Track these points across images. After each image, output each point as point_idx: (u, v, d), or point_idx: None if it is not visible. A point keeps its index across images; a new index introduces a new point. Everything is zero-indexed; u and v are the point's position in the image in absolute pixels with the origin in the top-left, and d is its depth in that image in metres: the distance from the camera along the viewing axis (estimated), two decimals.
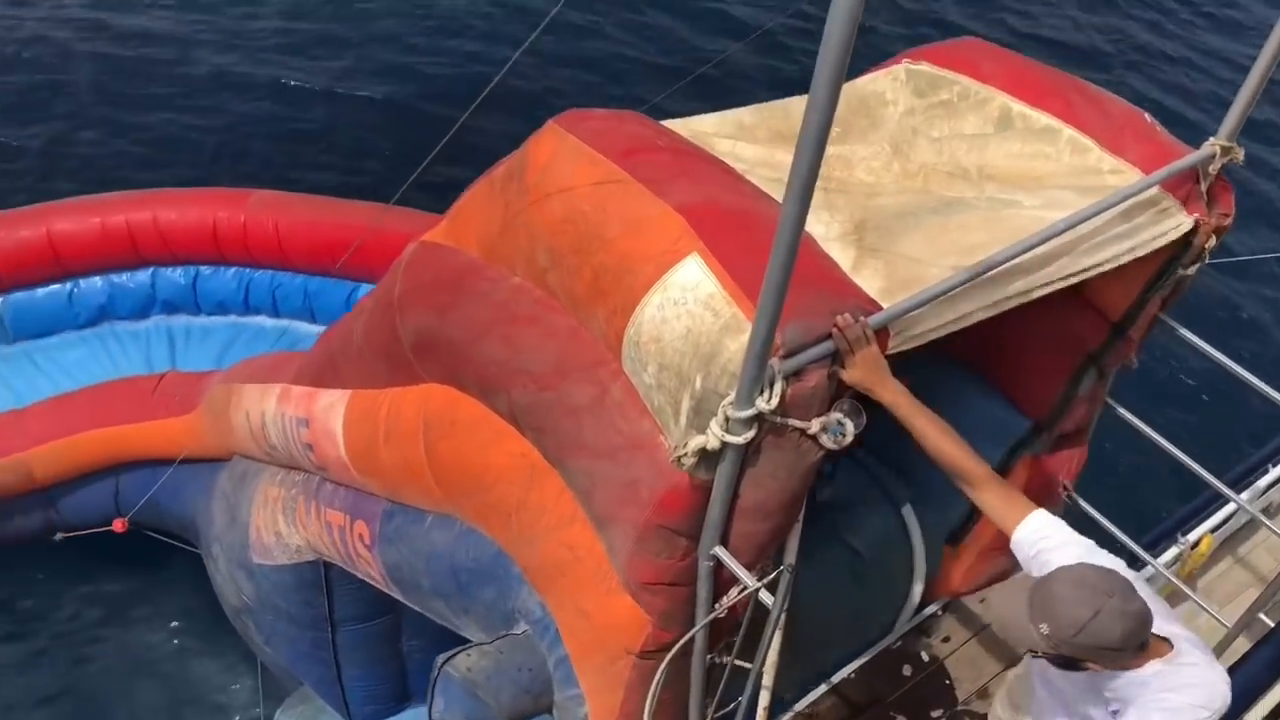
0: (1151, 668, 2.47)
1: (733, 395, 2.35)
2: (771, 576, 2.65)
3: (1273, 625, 4.22)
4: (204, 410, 5.90)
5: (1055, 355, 3.59)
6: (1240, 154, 3.08)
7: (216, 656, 6.88)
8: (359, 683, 5.65)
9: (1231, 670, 3.00)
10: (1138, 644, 2.40)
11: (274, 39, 12.03)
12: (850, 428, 2.48)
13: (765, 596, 2.63)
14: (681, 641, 2.79)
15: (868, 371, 2.44)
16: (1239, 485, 4.67)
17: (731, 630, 2.93)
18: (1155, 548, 4.42)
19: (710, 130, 3.27)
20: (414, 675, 5.70)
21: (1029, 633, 2.42)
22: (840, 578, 3.59)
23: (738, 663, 2.94)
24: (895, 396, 2.52)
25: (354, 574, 4.64)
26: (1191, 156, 3.07)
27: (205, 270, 7.33)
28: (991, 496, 2.64)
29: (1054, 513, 2.66)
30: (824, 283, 2.51)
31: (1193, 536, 4.60)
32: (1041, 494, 3.70)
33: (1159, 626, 2.46)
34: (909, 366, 2.60)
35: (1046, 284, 2.81)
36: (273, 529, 4.99)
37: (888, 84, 3.51)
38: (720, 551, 2.66)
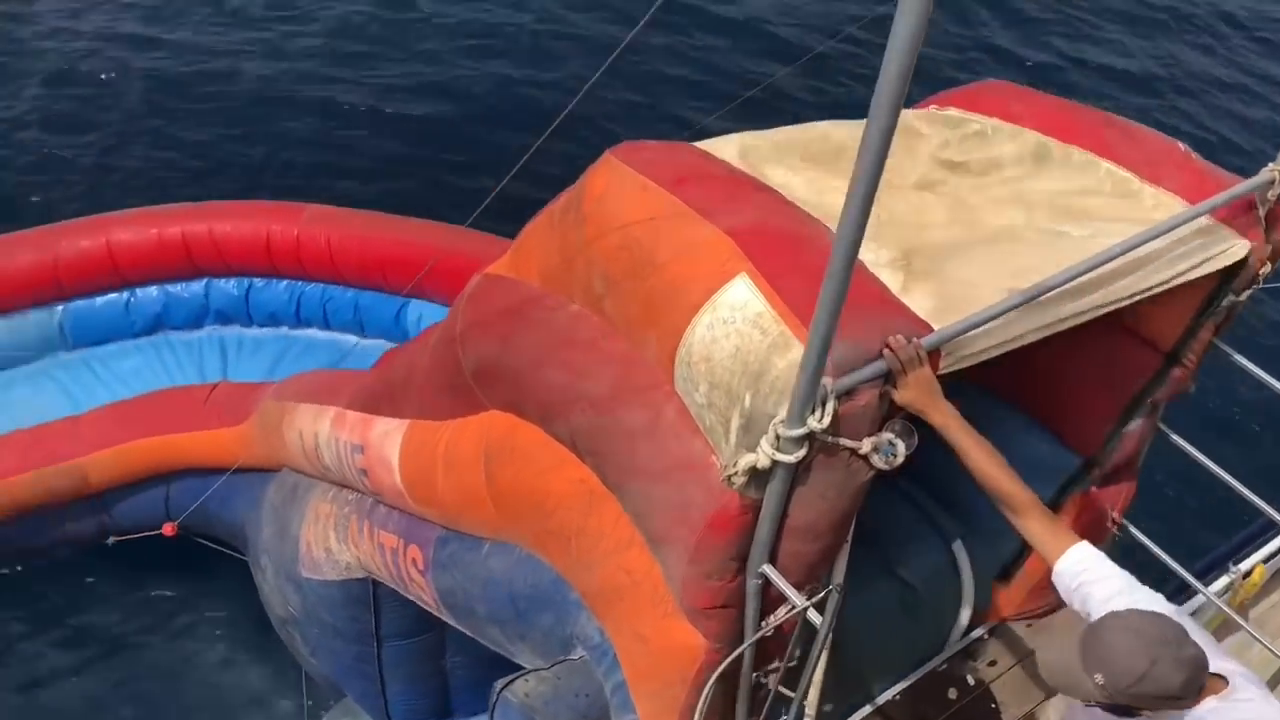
0: (1207, 704, 2.43)
1: (784, 413, 2.36)
2: (820, 597, 2.66)
3: None
4: (255, 423, 5.99)
5: (1104, 391, 3.56)
6: None
7: (261, 664, 6.96)
8: (401, 697, 5.70)
9: None
10: (1196, 690, 2.37)
11: (321, 56, 12.26)
12: (902, 448, 2.48)
13: (813, 616, 2.63)
14: (729, 659, 2.79)
15: (920, 392, 2.45)
16: None
17: (779, 651, 2.94)
18: (1206, 576, 4.36)
19: (751, 146, 3.30)
20: (456, 691, 5.74)
21: (1083, 683, 2.39)
22: (889, 609, 3.59)
23: (782, 690, 2.95)
24: (946, 419, 2.53)
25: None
26: (1249, 182, 3.05)
27: (258, 282, 7.45)
28: (1035, 525, 2.64)
29: (1102, 544, 2.65)
30: (876, 304, 2.52)
31: (1245, 566, 4.53)
32: (1091, 528, 3.68)
33: (1212, 664, 2.43)
34: (958, 397, 2.61)
35: (1100, 306, 2.80)
36: (323, 545, 5.06)
37: (919, 120, 3.52)
38: (768, 569, 2.67)
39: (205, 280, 7.37)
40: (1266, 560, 4.59)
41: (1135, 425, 3.59)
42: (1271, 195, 3.07)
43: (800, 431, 2.34)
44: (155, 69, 11.84)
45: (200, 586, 7.27)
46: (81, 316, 7.22)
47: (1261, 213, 3.10)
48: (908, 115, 3.52)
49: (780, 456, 2.40)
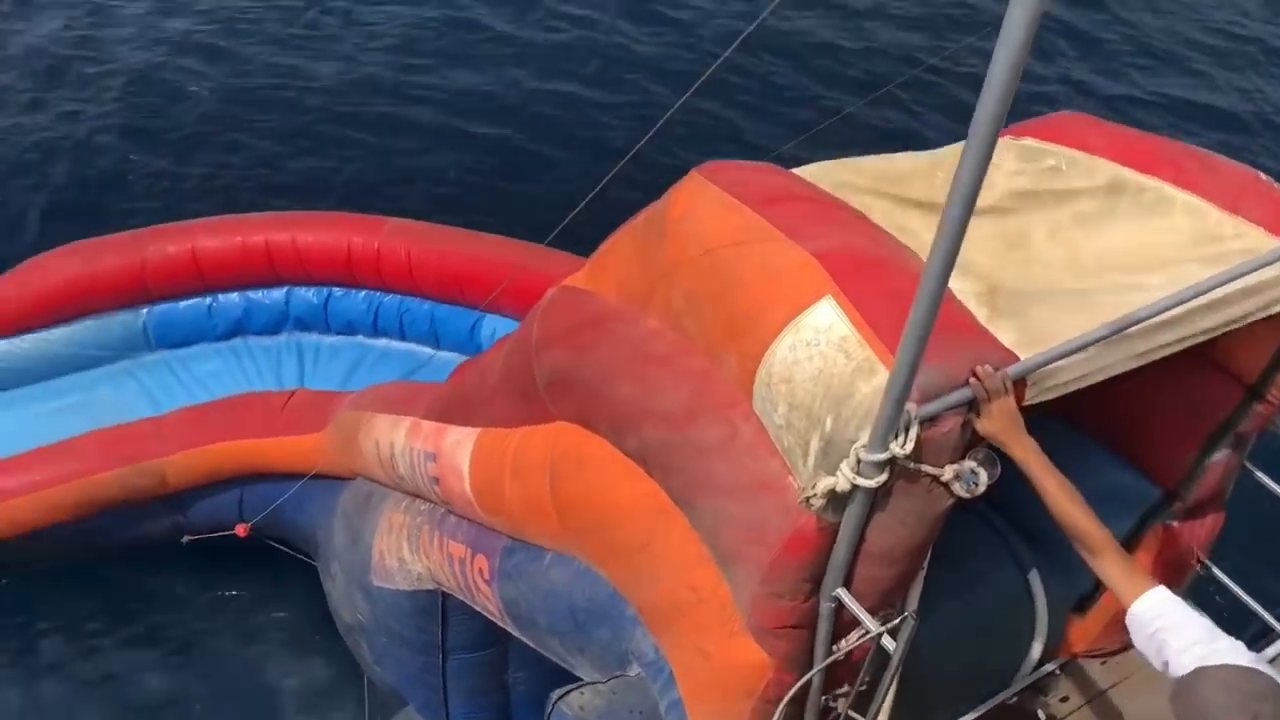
0: None
1: (865, 438, 2.36)
2: (895, 623, 2.64)
3: None
4: (332, 431, 6.08)
5: (1186, 422, 3.50)
6: None
7: (324, 668, 7.04)
8: (463, 709, 5.74)
9: None
10: None
11: (391, 71, 12.49)
12: (984, 477, 2.47)
13: (887, 642, 2.62)
14: (802, 681, 2.79)
15: (1003, 425, 2.43)
16: None
17: (849, 676, 2.93)
18: None
19: (842, 178, 3.31)
20: (518, 706, 5.77)
21: None
22: (959, 633, 3.54)
23: (852, 715, 2.93)
24: (1027, 453, 2.51)
25: (469, 605, 4.73)
26: None
27: (337, 292, 7.58)
28: (1112, 566, 2.59)
29: (1184, 582, 2.60)
30: (962, 331, 2.52)
31: None
32: (1173, 564, 3.62)
33: None
34: (1036, 428, 2.58)
35: (1185, 339, 2.77)
36: (396, 554, 5.12)
37: (996, 153, 3.49)
38: (843, 593, 2.66)
39: (286, 288, 7.52)
40: None
41: (1218, 458, 3.51)
42: None
43: (882, 456, 2.34)
44: (228, 79, 12.18)
45: (268, 589, 7.38)
46: (165, 319, 7.40)
47: None
48: None
49: (861, 481, 2.40)
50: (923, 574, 2.81)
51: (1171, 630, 2.46)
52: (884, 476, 2.40)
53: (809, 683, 2.86)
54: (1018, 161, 3.40)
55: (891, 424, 2.29)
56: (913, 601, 2.82)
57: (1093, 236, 3.18)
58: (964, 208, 1.87)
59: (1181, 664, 2.36)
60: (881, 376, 2.35)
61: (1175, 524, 3.68)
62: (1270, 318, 2.98)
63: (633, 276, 3.34)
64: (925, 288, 2.02)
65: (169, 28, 13.04)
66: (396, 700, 6.26)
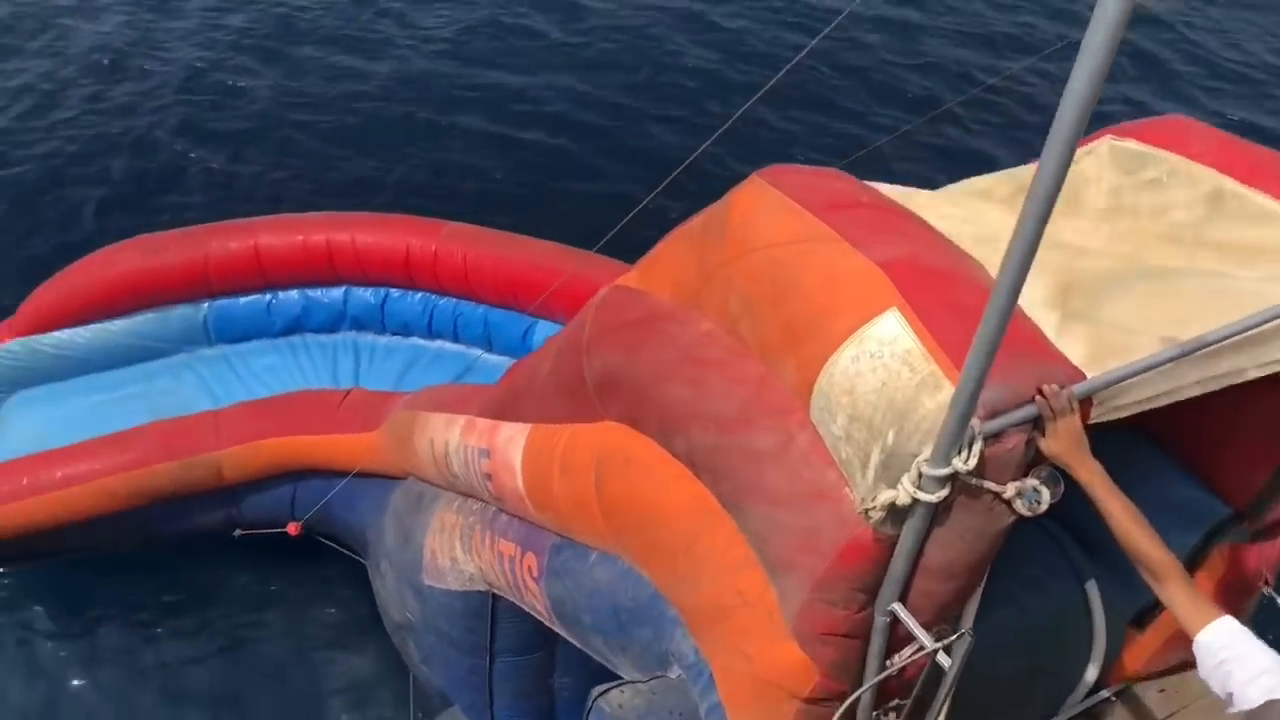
0: None
1: (927, 452, 2.34)
2: (951, 640, 2.61)
3: None
4: (387, 430, 6.12)
5: (1262, 441, 3.40)
6: None
7: (369, 664, 7.09)
8: (507, 712, 5.73)
9: None
10: None
11: (445, 77, 12.62)
12: (1046, 496, 2.43)
13: (943, 659, 2.59)
14: (854, 697, 2.76)
15: (1068, 445, 2.39)
16: None
17: (899, 691, 2.90)
18: None
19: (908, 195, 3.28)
20: (562, 711, 5.75)
21: None
22: (1012, 645, 3.48)
23: None
24: (1092, 475, 2.46)
25: (518, 607, 4.74)
26: None
27: (394, 293, 7.64)
28: (1177, 593, 2.53)
29: (1249, 604, 2.55)
30: (1030, 347, 2.48)
31: None
32: (1238, 586, 3.53)
33: None
34: (1104, 438, 2.54)
35: (1266, 363, 2.70)
36: (448, 554, 5.14)
37: (1090, 162, 3.44)
38: (898, 608, 2.63)
39: (345, 287, 7.60)
40: None
41: None
42: None
43: (944, 471, 2.32)
44: (283, 79, 12.38)
45: (316, 585, 7.44)
46: (225, 314, 7.51)
47: None
48: (1078, 155, 3.45)
49: (921, 495, 2.38)
50: (980, 591, 2.77)
51: (1238, 661, 2.41)
52: (945, 491, 2.37)
53: (859, 697, 2.84)
54: (1117, 174, 3.35)
55: (955, 439, 2.27)
56: (969, 618, 2.79)
57: (1189, 224, 3.12)
58: (1037, 226, 1.85)
59: (1248, 696, 2.31)
60: (946, 392, 2.33)
61: (1243, 545, 3.60)
62: None
63: (688, 278, 3.33)
64: (994, 304, 2.00)
65: (228, 26, 13.30)
66: (441, 699, 6.28)
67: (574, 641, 4.28)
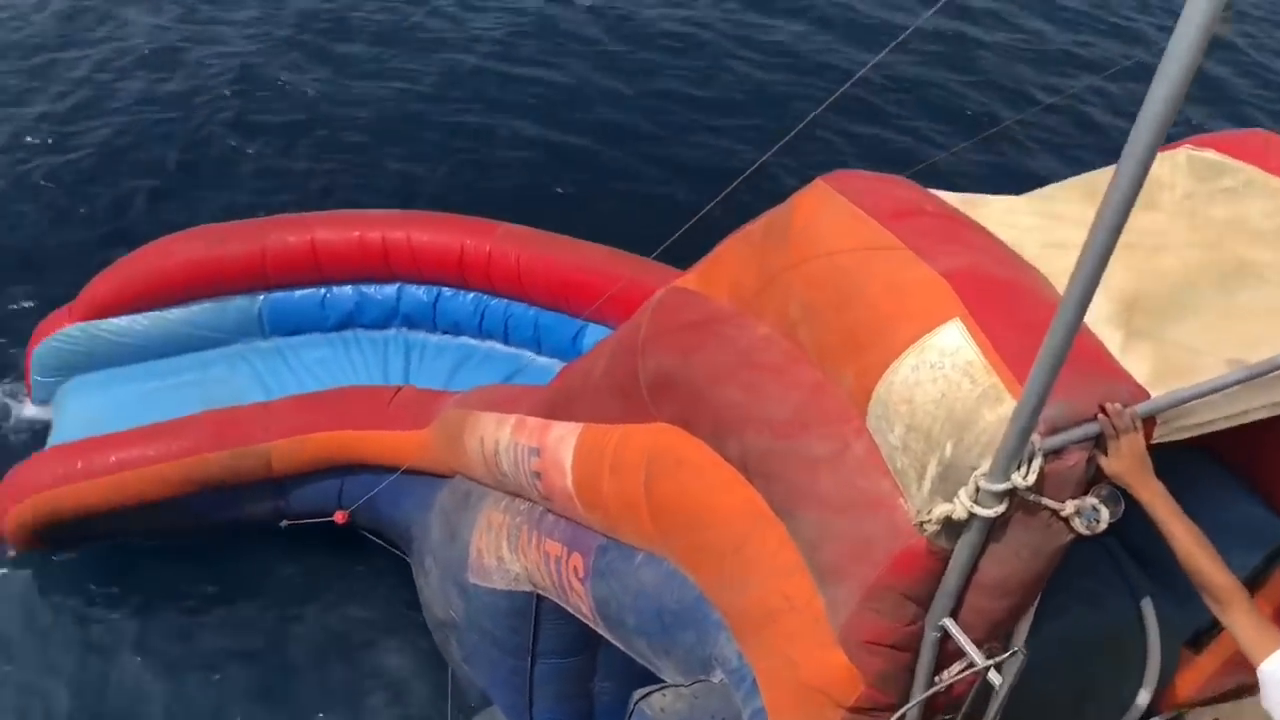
0: None
1: (986, 466, 2.31)
2: (1003, 658, 2.58)
3: None
4: (437, 428, 6.15)
5: None
6: None
7: (407, 657, 7.13)
8: (546, 714, 5.73)
9: None
10: None
11: (493, 82, 12.68)
12: (1105, 515, 2.40)
13: (994, 677, 2.56)
14: (902, 712, 2.74)
15: (1130, 465, 2.35)
16: None
17: (947, 708, 2.86)
18: None
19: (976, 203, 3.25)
20: (601, 715, 5.75)
21: None
22: (1062, 660, 3.43)
23: None
24: (1154, 496, 2.42)
25: (561, 609, 4.74)
26: None
27: (447, 292, 7.69)
28: (1242, 618, 2.48)
29: None
30: (1094, 364, 2.45)
31: None
32: None
33: None
34: (1164, 455, 2.50)
35: None
36: (495, 553, 5.16)
37: (1165, 169, 3.39)
38: (949, 623, 2.61)
39: (398, 284, 7.66)
40: None
41: None
42: None
43: (1002, 486, 2.29)
44: (333, 75, 12.51)
45: (358, 578, 7.50)
46: (280, 306, 7.60)
47: None
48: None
49: (978, 510, 2.35)
50: (1033, 609, 2.74)
51: None
52: (1003, 507, 2.34)
53: (906, 713, 2.81)
54: (1192, 181, 3.30)
55: (1015, 454, 2.24)
56: (1020, 636, 2.75)
57: (1258, 246, 3.06)
58: (1108, 239, 1.83)
59: None
60: (1007, 405, 2.31)
61: None
62: None
63: (747, 281, 3.32)
64: (1061, 318, 1.97)
65: (282, 21, 13.48)
66: (481, 698, 6.30)
67: (617, 643, 4.28)
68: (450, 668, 6.51)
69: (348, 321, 7.74)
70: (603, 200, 10.83)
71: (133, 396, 7.22)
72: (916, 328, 2.56)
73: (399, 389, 6.96)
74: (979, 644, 2.60)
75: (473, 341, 7.85)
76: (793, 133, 3.44)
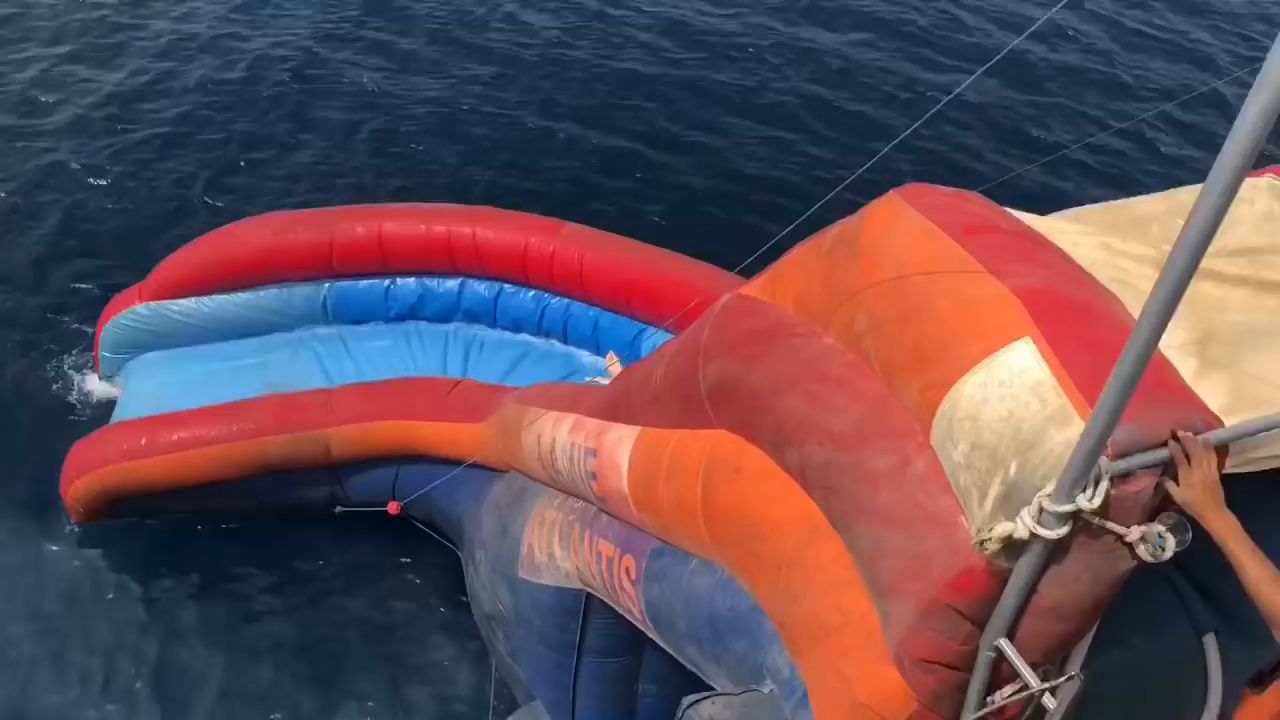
0: None
1: (1051, 487, 2.28)
2: (1058, 683, 2.55)
3: None
4: (494, 423, 6.19)
5: None
6: None
7: (446, 646, 7.21)
8: (588, 713, 5.75)
9: None
10: None
11: (542, 77, 12.81)
12: (1171, 543, 2.34)
13: (1048, 701, 2.53)
14: None
15: (1201, 493, 2.30)
16: None
17: None
18: None
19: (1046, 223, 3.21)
20: (642, 718, 5.76)
21: None
22: (1118, 690, 3.36)
23: None
24: (1224, 526, 2.36)
25: (609, 609, 4.75)
26: None
27: (509, 288, 7.78)
28: None
29: None
30: (1167, 390, 2.40)
31: None
32: None
33: None
34: (1235, 486, 2.45)
35: None
36: (546, 550, 5.18)
37: (1245, 188, 3.34)
38: (1005, 644, 2.57)
39: (461, 279, 7.74)
40: None
41: None
42: None
43: (1066, 508, 2.26)
44: (388, 72, 12.68)
45: (405, 567, 7.59)
46: (344, 295, 7.72)
47: None
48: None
49: (1040, 531, 2.32)
50: (1091, 635, 2.69)
51: None
52: (1065, 529, 2.31)
53: None
54: (1271, 202, 3.24)
55: (1081, 476, 2.21)
56: (1077, 662, 2.71)
57: None
58: (1190, 261, 1.80)
59: None
60: (1076, 427, 2.27)
61: None
62: None
63: (814, 291, 3.31)
64: (1135, 341, 1.94)
65: (345, 15, 13.70)
66: (524, 692, 6.34)
67: (666, 647, 4.27)
68: (494, 661, 6.55)
69: (410, 313, 7.84)
70: (652, 205, 10.87)
71: (197, 376, 7.37)
72: (986, 345, 2.53)
73: (458, 382, 7.02)
74: (1034, 667, 2.56)
75: (531, 339, 7.92)
76: (875, 159, 3.43)
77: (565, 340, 7.91)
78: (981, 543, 2.46)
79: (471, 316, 7.88)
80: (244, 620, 7.24)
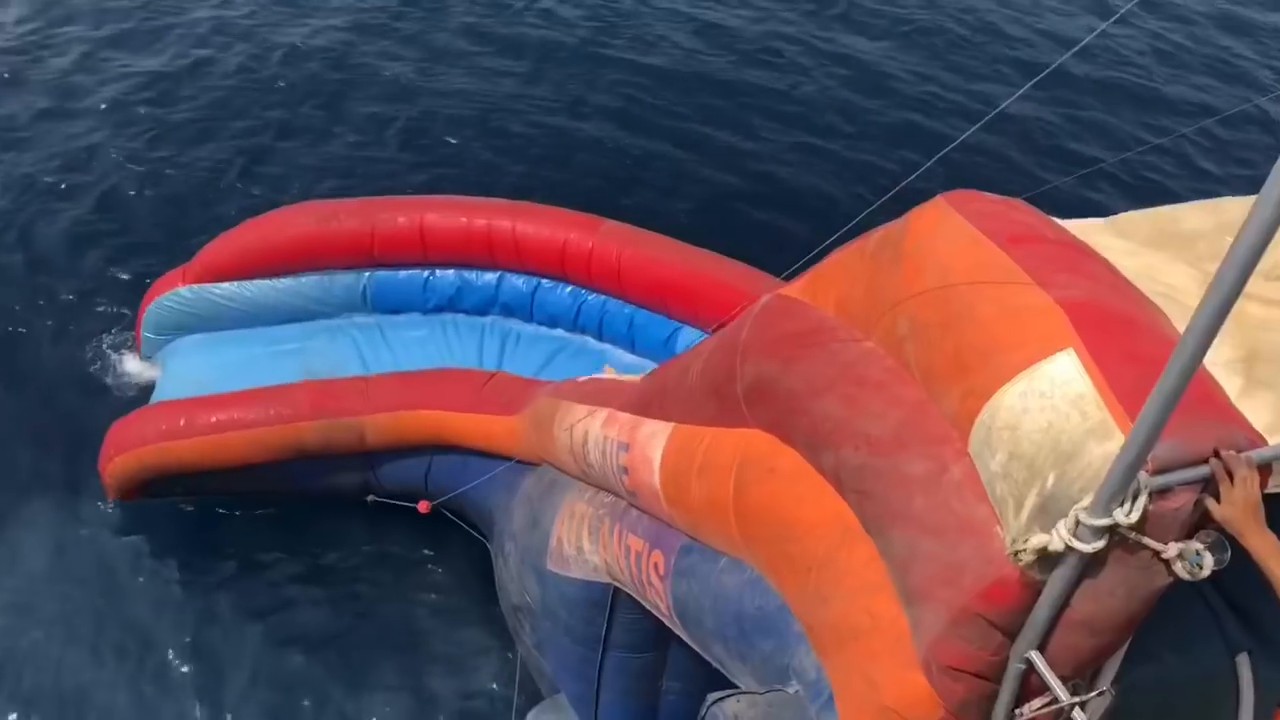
0: None
1: (1088, 500, 2.27)
2: (1088, 697, 2.53)
3: None
4: (528, 416, 6.22)
5: None
6: None
7: (472, 635, 7.26)
8: (612, 707, 5.77)
9: None
10: None
11: (575, 75, 12.86)
12: (1209, 561, 2.33)
13: (1079, 715, 2.51)
14: None
15: (1242, 512, 2.28)
16: None
17: None
18: None
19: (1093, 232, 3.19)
20: (665, 715, 5.76)
21: None
22: (1148, 708, 3.34)
23: None
24: (1265, 545, 2.34)
25: (637, 604, 4.75)
26: None
27: (546, 283, 7.81)
28: None
29: None
30: (1210, 407, 2.38)
31: None
32: None
33: None
34: (1272, 504, 2.43)
35: None
36: (575, 543, 5.20)
37: None
38: (1035, 656, 2.56)
39: (499, 273, 7.78)
40: None
41: None
42: None
43: (1103, 522, 2.24)
44: (423, 66, 12.76)
45: (432, 555, 7.65)
46: (384, 285, 7.78)
47: None
48: None
49: (1076, 544, 2.31)
50: (1122, 651, 2.68)
51: None
52: (1101, 543, 2.29)
53: None
54: None
55: (1119, 489, 2.19)
56: (1107, 677, 2.70)
57: None
58: (1239, 276, 1.78)
59: None
60: (1116, 441, 2.25)
61: None
62: None
63: (856, 295, 3.30)
64: (1180, 355, 1.93)
65: (382, 8, 13.82)
66: (548, 684, 6.37)
67: (692, 645, 4.28)
68: (519, 653, 6.58)
69: (448, 304, 7.89)
70: (681, 204, 10.90)
71: (236, 360, 7.45)
72: (1028, 354, 2.51)
73: (493, 374, 7.06)
74: (1064, 681, 2.55)
75: (567, 334, 7.95)
76: (919, 170, 3.42)
77: (600, 337, 7.93)
78: (1016, 553, 2.45)
79: (508, 310, 7.92)
80: (274, 605, 7.32)
